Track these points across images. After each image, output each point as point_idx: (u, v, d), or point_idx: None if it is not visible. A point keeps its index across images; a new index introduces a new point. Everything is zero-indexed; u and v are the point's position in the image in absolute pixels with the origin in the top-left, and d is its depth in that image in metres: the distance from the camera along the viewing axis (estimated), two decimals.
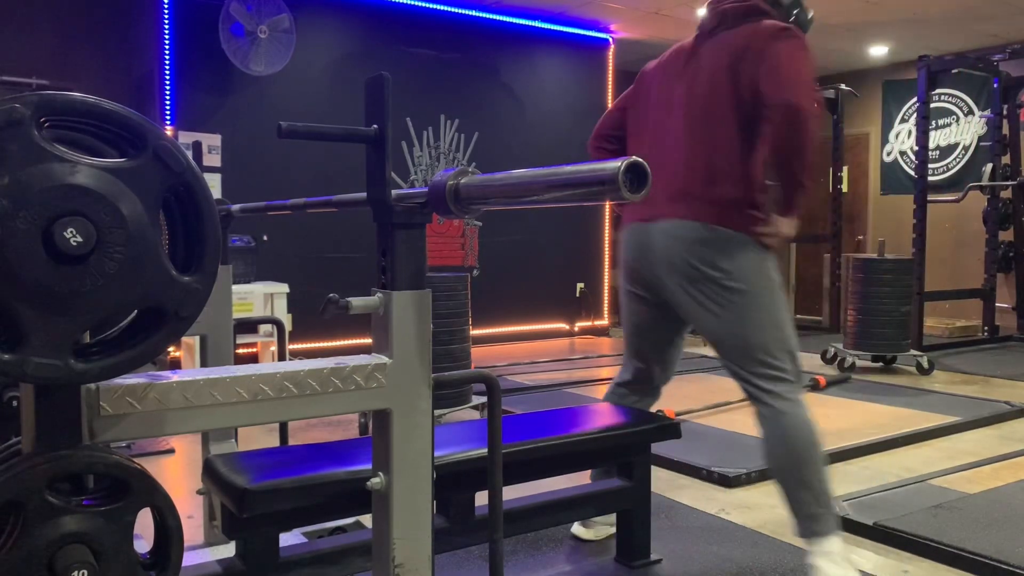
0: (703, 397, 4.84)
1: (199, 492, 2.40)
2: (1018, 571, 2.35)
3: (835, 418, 4.40)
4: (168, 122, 5.83)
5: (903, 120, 9.08)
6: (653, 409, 2.69)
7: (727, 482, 3.27)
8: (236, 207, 2.25)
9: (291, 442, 2.92)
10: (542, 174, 1.05)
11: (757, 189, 2.25)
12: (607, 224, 8.09)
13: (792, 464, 2.23)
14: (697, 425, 4.17)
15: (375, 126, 1.21)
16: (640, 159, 0.94)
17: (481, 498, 2.01)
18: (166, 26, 5.81)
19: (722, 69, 2.25)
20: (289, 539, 2.10)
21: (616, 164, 0.93)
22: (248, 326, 4.65)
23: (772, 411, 2.26)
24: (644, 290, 2.49)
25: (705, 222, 2.26)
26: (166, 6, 5.80)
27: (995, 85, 7.49)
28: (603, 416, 2.49)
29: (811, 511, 2.23)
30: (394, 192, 1.23)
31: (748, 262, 2.25)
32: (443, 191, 1.15)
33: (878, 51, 8.52)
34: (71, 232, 0.91)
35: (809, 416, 2.26)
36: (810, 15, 2.48)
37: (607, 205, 7.01)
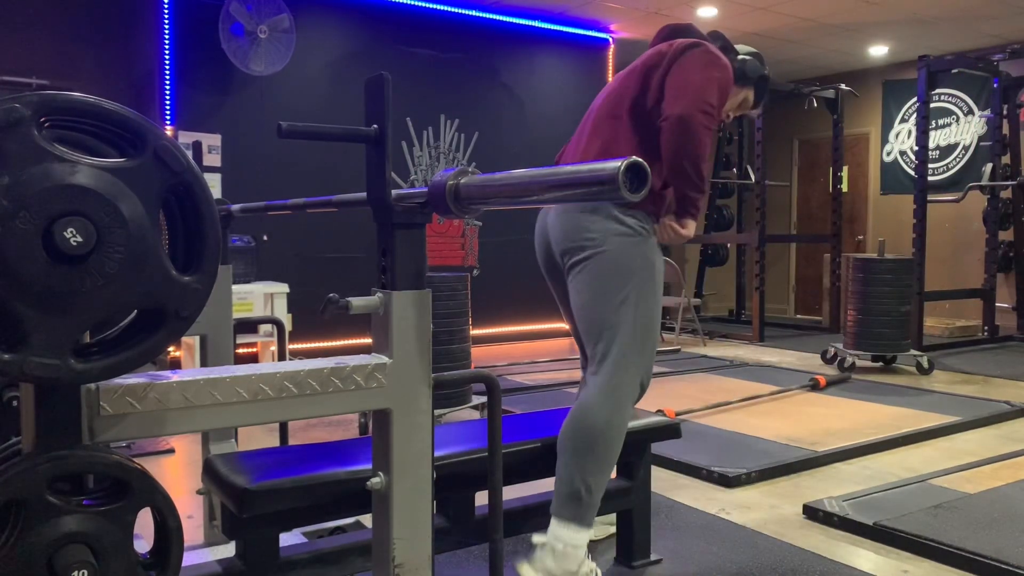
0: (703, 397, 4.84)
1: (199, 492, 2.39)
2: (1018, 571, 2.35)
3: (835, 418, 4.40)
4: (168, 122, 5.83)
5: (903, 120, 9.08)
6: (653, 409, 2.69)
7: (727, 482, 3.27)
8: (236, 207, 2.25)
9: (291, 442, 2.92)
10: (542, 174, 1.05)
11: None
12: None
13: (583, 445, 2.13)
14: (697, 425, 4.17)
15: (375, 126, 1.21)
16: (639, 159, 0.94)
17: (481, 498, 2.01)
18: (166, 26, 5.80)
19: (634, 74, 2.34)
20: (289, 539, 2.10)
21: (616, 164, 0.93)
22: (248, 326, 4.65)
23: (590, 391, 2.19)
24: (554, 280, 2.47)
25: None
26: (166, 6, 5.80)
27: (995, 85, 7.49)
28: None
29: (577, 493, 2.12)
30: (394, 192, 1.23)
31: (623, 237, 2.21)
32: (443, 191, 1.15)
33: (878, 51, 8.52)
34: (71, 232, 0.91)
35: (624, 416, 2.18)
36: (764, 71, 2.56)
37: None
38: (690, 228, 2.31)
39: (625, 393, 2.19)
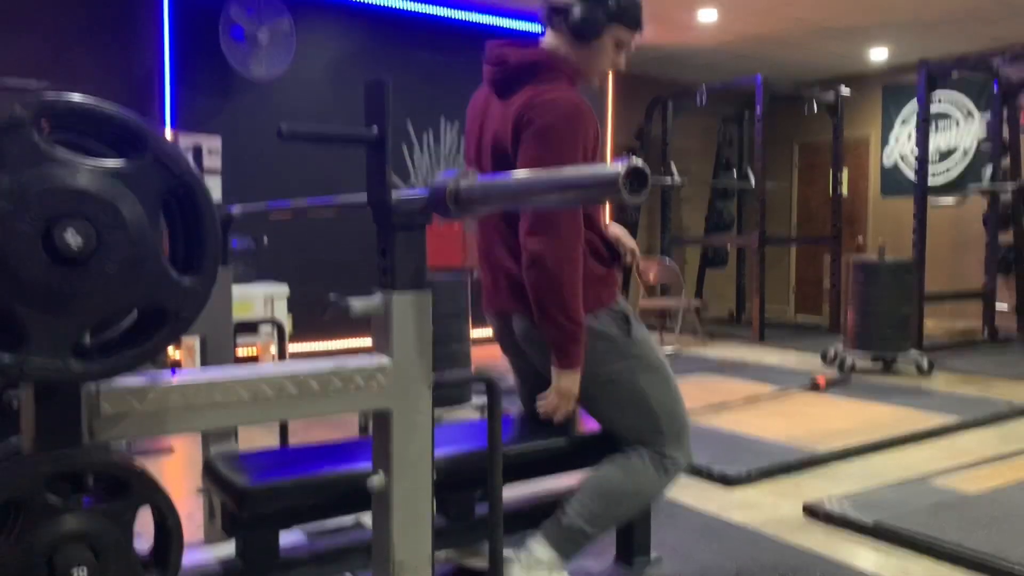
0: (704, 397, 4.84)
1: (199, 491, 2.40)
2: (1018, 570, 2.35)
3: (835, 418, 4.40)
4: (168, 124, 5.84)
5: (903, 123, 9.08)
6: None
7: (727, 482, 3.27)
8: (237, 209, 2.25)
9: (291, 442, 2.92)
10: (543, 176, 1.06)
11: None
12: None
13: (612, 501, 2.10)
14: (697, 425, 4.16)
15: (375, 128, 1.21)
16: (641, 163, 0.94)
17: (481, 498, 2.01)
18: (166, 28, 5.81)
19: (505, 132, 2.03)
20: (289, 538, 2.10)
21: (616, 167, 0.94)
22: (248, 327, 4.65)
23: (638, 455, 2.17)
24: (509, 348, 2.36)
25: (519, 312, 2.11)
26: (166, 8, 5.80)
27: (995, 88, 7.49)
28: None
29: (580, 532, 2.05)
30: (395, 194, 1.23)
31: (590, 353, 2.07)
32: (444, 193, 1.15)
33: (878, 54, 8.52)
34: (71, 233, 0.91)
35: (658, 488, 2.18)
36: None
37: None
38: (568, 379, 2.01)
39: (660, 472, 2.17)
